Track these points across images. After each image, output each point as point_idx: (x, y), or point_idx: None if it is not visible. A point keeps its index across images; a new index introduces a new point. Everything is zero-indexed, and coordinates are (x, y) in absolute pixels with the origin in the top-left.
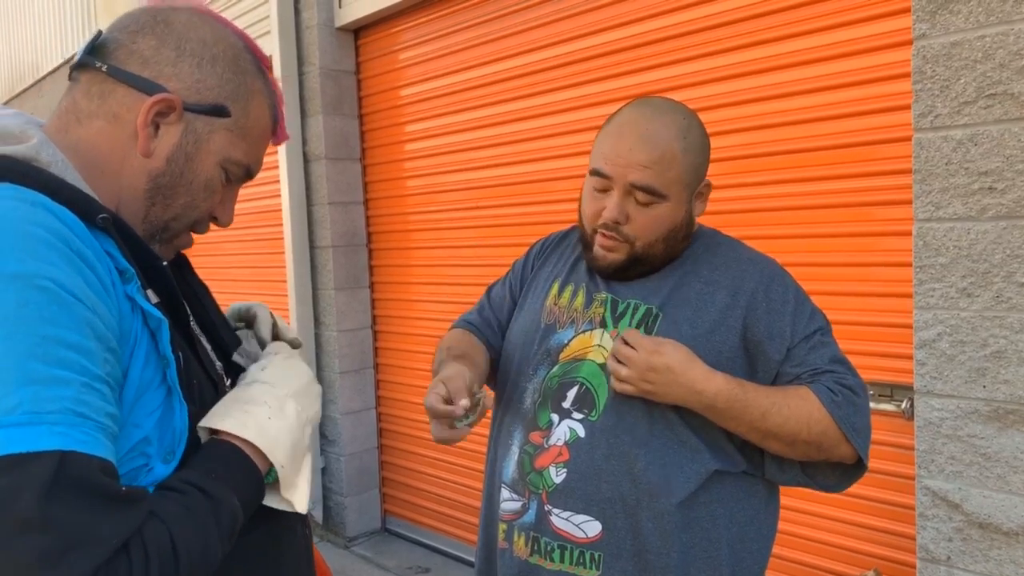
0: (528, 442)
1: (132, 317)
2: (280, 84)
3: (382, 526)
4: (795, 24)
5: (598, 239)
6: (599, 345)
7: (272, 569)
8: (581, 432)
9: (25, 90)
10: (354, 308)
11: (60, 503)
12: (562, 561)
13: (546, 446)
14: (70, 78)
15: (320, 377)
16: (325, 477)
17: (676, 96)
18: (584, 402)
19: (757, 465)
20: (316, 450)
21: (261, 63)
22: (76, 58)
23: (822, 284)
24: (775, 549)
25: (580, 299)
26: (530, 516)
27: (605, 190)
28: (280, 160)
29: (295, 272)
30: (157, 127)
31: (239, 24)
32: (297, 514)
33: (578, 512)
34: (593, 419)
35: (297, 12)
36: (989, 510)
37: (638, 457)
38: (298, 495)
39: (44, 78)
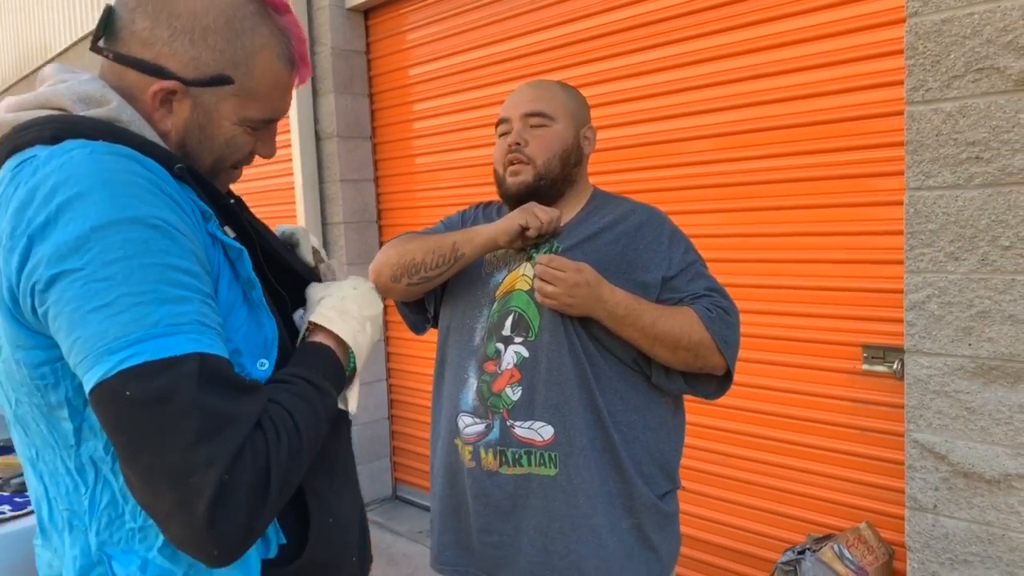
0: (483, 371)
1: (214, 250)
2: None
3: (393, 493)
4: (793, 4)
5: (509, 169)
6: (523, 276)
7: (332, 455)
8: (525, 353)
9: (34, 71)
10: None
11: (207, 392)
12: (529, 464)
13: (499, 371)
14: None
15: None
16: None
17: (682, 72)
18: (520, 326)
19: (647, 377)
20: None
21: (267, 6)
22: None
23: (818, 252)
24: (771, 505)
25: (511, 251)
26: (495, 434)
27: (507, 133)
28: (292, 139)
29: None
30: (170, 106)
31: None
32: (346, 415)
33: (536, 420)
34: (532, 339)
35: None
36: (973, 460)
37: (572, 364)
38: (352, 400)
39: (53, 59)
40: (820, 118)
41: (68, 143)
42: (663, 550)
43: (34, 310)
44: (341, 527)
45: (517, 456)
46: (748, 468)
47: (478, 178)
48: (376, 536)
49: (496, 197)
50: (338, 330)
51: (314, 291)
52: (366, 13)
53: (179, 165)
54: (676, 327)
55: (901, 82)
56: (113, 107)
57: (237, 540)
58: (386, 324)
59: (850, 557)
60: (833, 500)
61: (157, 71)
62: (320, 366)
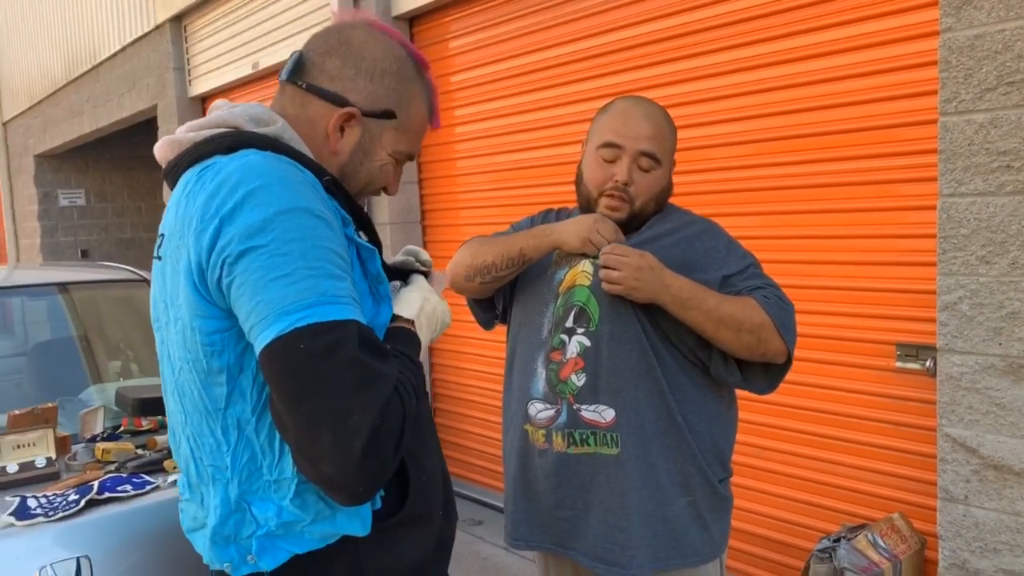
0: (551, 361)
1: (349, 249)
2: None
3: None
4: (829, 16)
5: (604, 201)
6: (583, 271)
7: (420, 420)
8: (587, 343)
9: (83, 75)
10: None
11: (364, 352)
12: (595, 444)
13: (564, 360)
14: (280, 85)
15: None
16: None
17: (718, 81)
18: (582, 319)
19: (705, 369)
20: None
21: (420, 66)
22: (283, 75)
23: (853, 255)
24: (806, 496)
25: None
26: (563, 417)
27: (614, 160)
28: None
29: None
30: (343, 130)
31: (300, 11)
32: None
33: (599, 403)
34: (593, 330)
35: (356, 2)
36: (1003, 453)
37: (633, 351)
38: None
39: (101, 64)
40: (856, 126)
41: (244, 151)
42: (715, 531)
43: (219, 283)
44: (431, 483)
45: (584, 436)
46: (785, 461)
47: (517, 180)
48: None
49: (563, 202)
50: (421, 330)
51: (417, 284)
52: (411, 20)
53: (327, 177)
54: (738, 310)
55: (934, 92)
56: (279, 127)
57: (379, 479)
58: None
59: (883, 545)
60: (867, 492)
61: (342, 101)
62: (415, 347)
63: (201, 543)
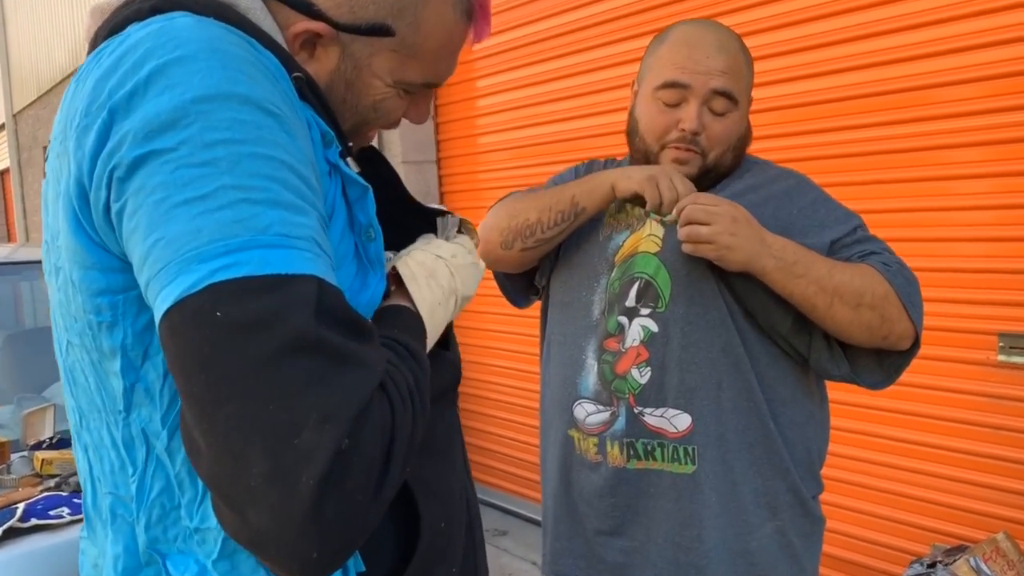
0: (605, 351)
1: (330, 182)
2: None
3: None
4: None
5: (669, 153)
6: (650, 236)
7: (438, 436)
8: (654, 327)
9: None
10: None
11: (326, 326)
12: (662, 459)
13: (623, 350)
14: None
15: None
16: None
17: (796, 31)
18: (647, 296)
19: (804, 365)
20: None
21: None
22: None
23: (948, 229)
24: (891, 511)
25: (636, 209)
26: (620, 423)
27: (678, 103)
28: None
29: None
30: (312, 50)
31: None
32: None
33: (668, 407)
34: (662, 311)
35: None
36: None
37: (716, 340)
38: None
39: None
40: (954, 77)
41: (171, 13)
42: (806, 561)
43: (107, 209)
44: (452, 524)
45: (649, 448)
46: (867, 471)
47: (546, 156)
48: None
49: (614, 152)
50: (415, 294)
51: (418, 243)
52: None
53: (298, 74)
54: (856, 279)
55: None
56: None
57: (346, 539)
58: None
59: (988, 572)
60: (962, 507)
61: (304, 6)
62: (418, 334)
63: None
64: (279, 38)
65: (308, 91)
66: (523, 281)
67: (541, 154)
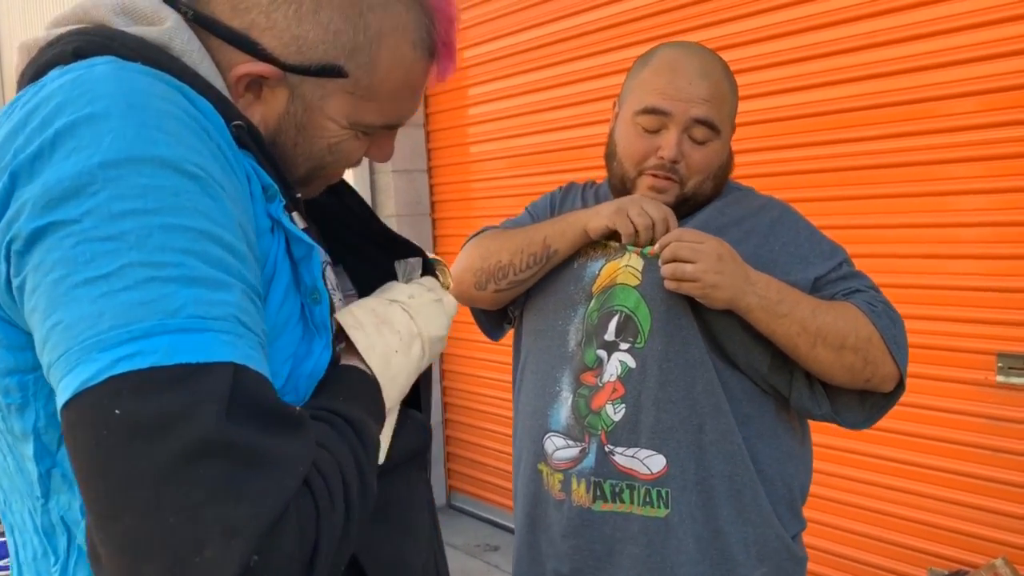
0: (581, 384)
1: (272, 240)
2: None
3: (447, 502)
4: None
5: (646, 180)
6: (627, 266)
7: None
8: (632, 363)
9: None
10: None
11: (239, 423)
12: (631, 502)
13: (600, 384)
14: None
15: None
16: None
17: (780, 44)
18: (627, 330)
19: (784, 401)
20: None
21: None
22: None
23: (945, 246)
24: (885, 533)
25: (613, 242)
26: (589, 461)
27: (658, 129)
28: None
29: None
30: (259, 92)
31: None
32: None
33: (641, 447)
34: (640, 346)
35: None
36: None
37: (696, 379)
38: (383, 444)
39: None
40: (949, 91)
41: (93, 59)
42: None
43: (8, 283)
44: None
45: (617, 490)
46: (861, 492)
47: (539, 166)
48: None
49: (593, 175)
50: (360, 343)
51: (375, 292)
52: None
53: (238, 122)
54: (839, 320)
55: None
56: (166, 28)
57: None
58: None
59: None
60: (958, 530)
61: (248, 45)
62: (367, 399)
63: None
64: (218, 82)
65: (249, 140)
66: (497, 314)
67: (533, 163)
